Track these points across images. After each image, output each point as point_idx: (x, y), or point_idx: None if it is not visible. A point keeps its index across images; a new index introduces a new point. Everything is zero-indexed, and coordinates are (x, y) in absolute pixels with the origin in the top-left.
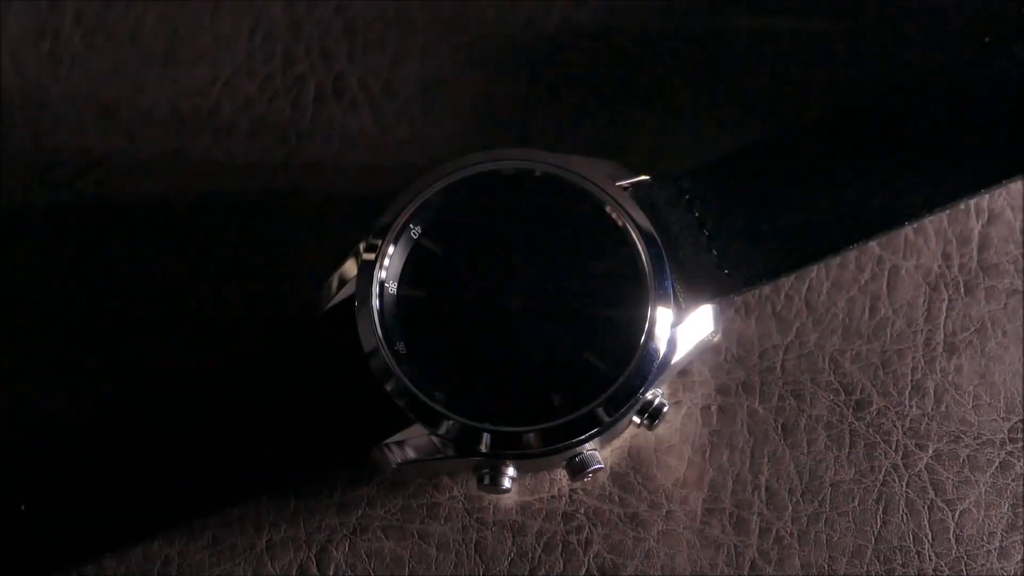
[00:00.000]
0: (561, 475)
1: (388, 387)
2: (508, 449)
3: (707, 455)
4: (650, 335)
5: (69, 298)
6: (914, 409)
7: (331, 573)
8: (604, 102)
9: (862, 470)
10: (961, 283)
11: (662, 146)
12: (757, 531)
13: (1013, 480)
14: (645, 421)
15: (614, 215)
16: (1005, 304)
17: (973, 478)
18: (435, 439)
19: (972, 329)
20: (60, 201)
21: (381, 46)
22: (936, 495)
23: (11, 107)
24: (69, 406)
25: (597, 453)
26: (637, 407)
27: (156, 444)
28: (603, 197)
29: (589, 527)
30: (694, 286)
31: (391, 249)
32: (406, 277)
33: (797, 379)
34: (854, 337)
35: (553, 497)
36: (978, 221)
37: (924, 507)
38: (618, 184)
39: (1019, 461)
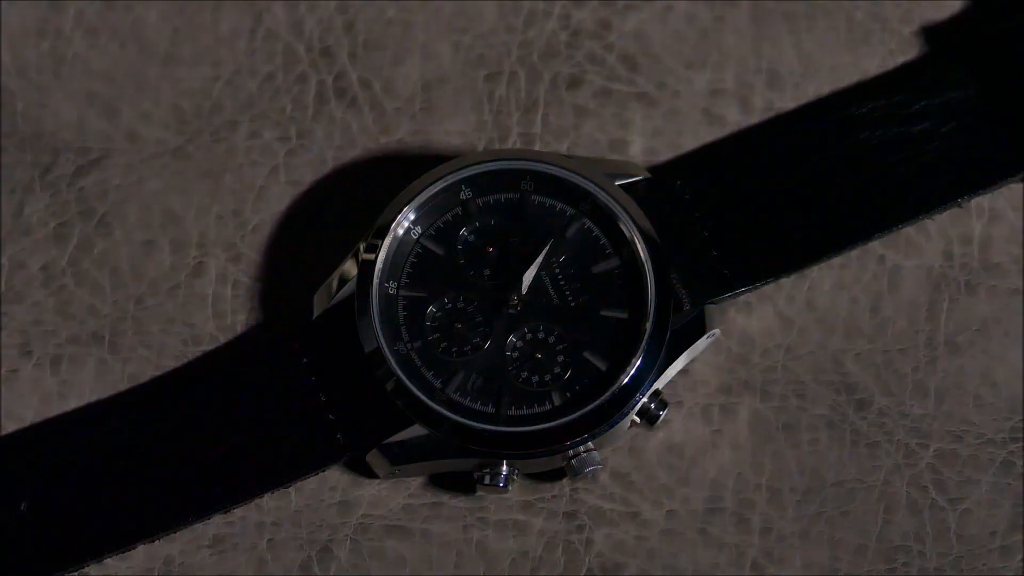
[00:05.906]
0: (561, 475)
1: (388, 387)
2: (508, 449)
3: (708, 454)
4: (650, 335)
5: (69, 298)
6: (916, 408)
7: (332, 573)
8: (604, 102)
9: (864, 469)
10: (963, 282)
11: (662, 146)
12: (759, 530)
13: (1015, 479)
14: (645, 421)
15: (614, 215)
16: (1007, 303)
17: (975, 477)
18: (435, 439)
19: (974, 328)
20: (60, 201)
21: (381, 45)
22: (938, 494)
23: (11, 107)
24: (69, 406)
25: (597, 453)
26: (637, 407)
27: (156, 444)
28: (603, 197)
29: (590, 526)
30: (694, 286)
31: (391, 249)
32: (406, 277)
33: (799, 378)
34: (856, 336)
35: (554, 497)
36: (979, 221)
37: (926, 506)
38: (618, 184)
39: (1021, 460)
